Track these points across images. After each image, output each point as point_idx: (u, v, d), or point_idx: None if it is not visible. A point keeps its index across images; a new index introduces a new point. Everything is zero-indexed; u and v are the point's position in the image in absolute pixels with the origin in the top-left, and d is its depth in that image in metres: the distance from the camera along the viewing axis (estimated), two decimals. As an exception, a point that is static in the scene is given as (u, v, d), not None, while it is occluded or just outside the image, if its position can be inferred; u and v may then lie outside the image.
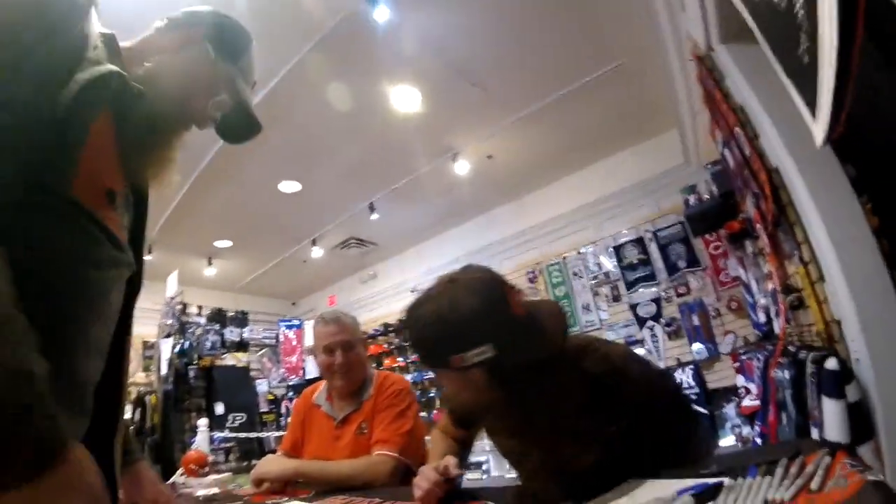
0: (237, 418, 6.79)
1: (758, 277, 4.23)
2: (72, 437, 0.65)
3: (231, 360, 7.77)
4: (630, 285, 6.36)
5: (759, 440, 3.67)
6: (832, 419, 1.97)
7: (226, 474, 2.91)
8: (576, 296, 6.79)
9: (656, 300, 6.14)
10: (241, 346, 8.36)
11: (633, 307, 6.26)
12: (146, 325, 7.52)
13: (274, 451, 6.60)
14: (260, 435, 6.90)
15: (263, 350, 8.88)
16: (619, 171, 6.63)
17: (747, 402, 4.68)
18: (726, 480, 0.86)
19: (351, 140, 5.37)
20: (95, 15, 0.97)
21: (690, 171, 5.79)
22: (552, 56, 4.57)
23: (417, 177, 6.31)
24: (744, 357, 4.98)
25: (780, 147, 2.32)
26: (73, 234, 0.88)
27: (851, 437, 1.88)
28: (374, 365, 8.33)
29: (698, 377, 5.58)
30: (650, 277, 6.23)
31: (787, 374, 2.54)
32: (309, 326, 8.82)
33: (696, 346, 5.74)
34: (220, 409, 6.68)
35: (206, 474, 2.69)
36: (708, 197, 4.82)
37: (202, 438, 5.13)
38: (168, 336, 6.56)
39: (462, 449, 1.68)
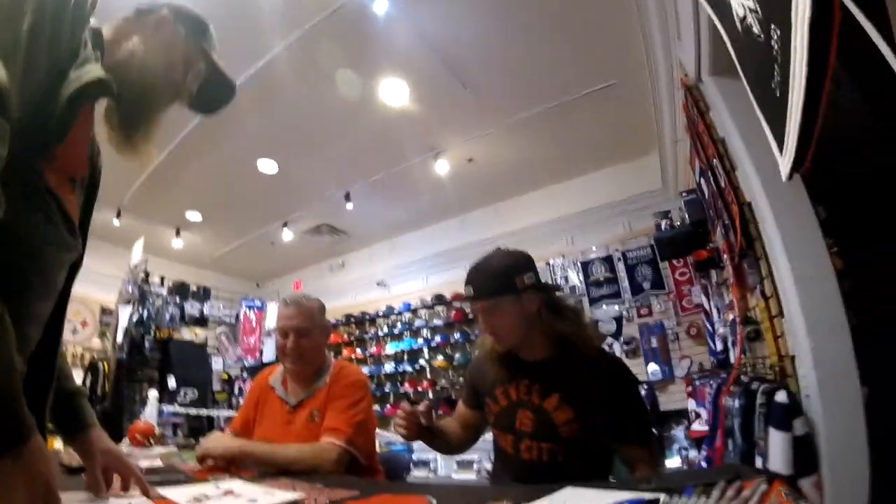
0: (189, 394, 6.68)
1: (719, 307, 4.32)
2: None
3: (188, 334, 7.65)
4: (593, 301, 6.43)
5: (704, 464, 3.75)
6: (777, 450, 2.03)
7: (171, 448, 2.87)
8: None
9: (618, 318, 6.22)
10: (201, 321, 8.23)
11: (595, 323, 6.32)
12: (107, 290, 7.37)
13: (223, 430, 6.53)
14: (210, 413, 6.79)
15: (222, 328, 8.76)
16: (597, 188, 6.71)
17: (697, 426, 4.78)
18: (663, 497, 0.87)
19: (334, 127, 5.33)
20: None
21: (666, 197, 5.90)
22: (545, 68, 4.60)
23: (397, 171, 6.29)
24: (697, 382, 5.08)
25: (755, 182, 2.37)
26: (39, 218, 0.93)
27: (794, 469, 1.93)
28: (332, 354, 8.32)
29: (651, 398, 5.66)
30: (614, 296, 6.31)
31: (737, 403, 2.60)
32: (272, 308, 8.73)
33: (652, 366, 5.84)
34: (172, 382, 6.56)
35: (152, 446, 2.65)
36: (679, 224, 4.90)
37: (151, 410, 5.06)
38: (128, 303, 6.43)
39: (464, 430, 2.00)
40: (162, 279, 7.67)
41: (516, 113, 5.25)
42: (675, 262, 5.76)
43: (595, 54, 4.45)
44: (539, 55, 4.43)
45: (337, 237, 8.39)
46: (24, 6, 0.82)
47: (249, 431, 2.29)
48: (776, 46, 0.90)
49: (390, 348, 8.00)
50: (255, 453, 1.91)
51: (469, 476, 5.62)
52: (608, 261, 6.42)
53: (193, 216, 7.47)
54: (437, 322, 7.58)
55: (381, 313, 8.31)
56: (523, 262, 1.77)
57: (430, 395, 7.23)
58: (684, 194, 4.39)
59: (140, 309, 6.55)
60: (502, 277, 1.68)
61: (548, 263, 6.89)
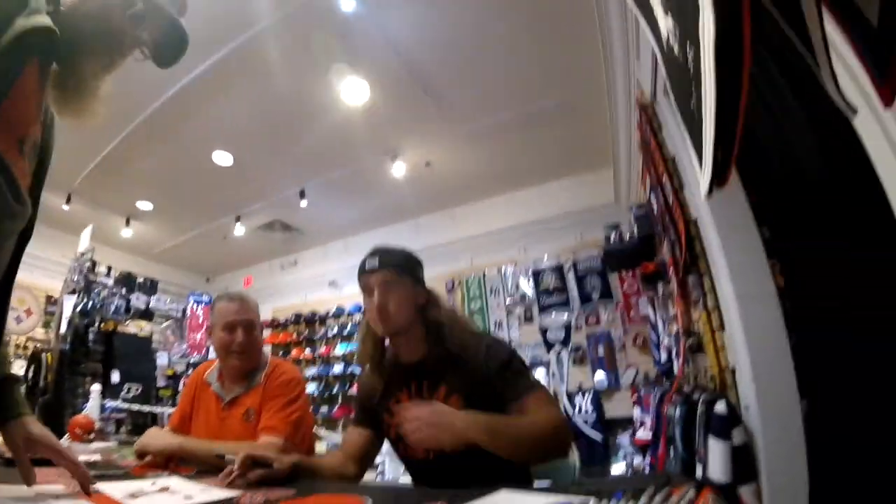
0: (133, 389, 6.48)
1: (664, 318, 4.44)
2: None
3: (134, 328, 7.42)
4: (543, 309, 6.53)
5: (648, 470, 3.84)
6: (716, 458, 2.10)
7: (111, 443, 2.80)
8: (490, 312, 6.92)
9: (566, 327, 6.34)
10: (147, 314, 7.99)
11: (544, 331, 6.42)
12: (52, 278, 7.11)
13: (163, 427, 6.37)
14: (154, 409, 6.61)
15: (168, 322, 8.54)
16: (551, 199, 6.84)
17: (641, 433, 4.90)
18: (592, 500, 0.90)
19: (293, 122, 5.28)
20: None
21: (617, 211, 6.04)
22: (507, 78, 4.68)
23: (354, 171, 6.27)
24: (642, 391, 5.21)
25: (702, 201, 2.46)
26: None
27: (733, 477, 2.01)
28: (280, 353, 8.23)
29: (597, 404, 5.79)
30: (564, 304, 6.43)
31: (678, 412, 2.69)
32: (216, 306, 8.56)
33: (599, 374, 5.97)
34: (115, 377, 6.35)
35: (92, 441, 2.58)
36: (629, 237, 5.02)
37: (93, 405, 4.89)
38: (73, 293, 6.20)
39: (350, 459, 1.84)
40: (109, 269, 7.42)
41: (476, 120, 5.30)
42: (623, 273, 5.90)
43: (557, 69, 4.54)
44: (502, 66, 4.50)
45: (290, 234, 8.28)
46: None
47: (187, 427, 2.27)
48: (691, 66, 0.91)
49: (340, 349, 7.94)
50: (195, 451, 1.88)
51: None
52: (559, 270, 6.54)
53: (144, 206, 7.26)
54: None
55: (331, 313, 8.24)
56: (420, 260, 1.86)
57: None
58: (635, 209, 4.50)
59: (85, 299, 6.33)
60: (408, 260, 1.81)
61: (499, 270, 6.98)
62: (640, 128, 3.59)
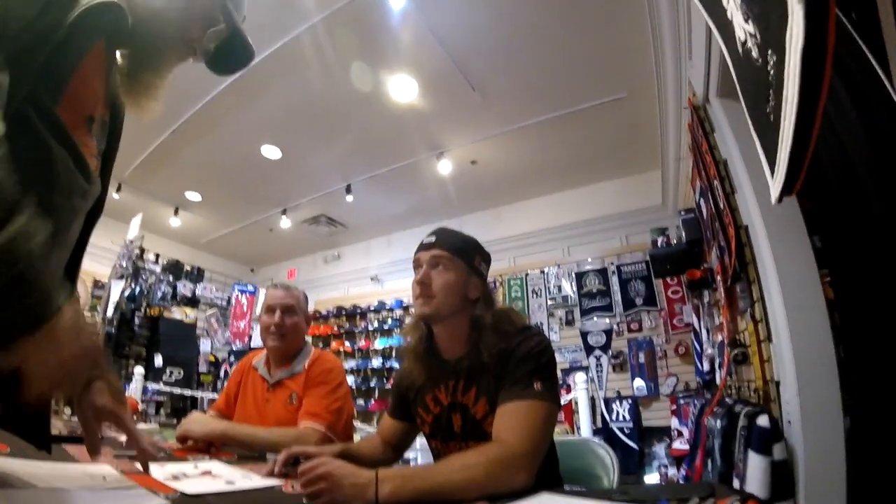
0: (174, 373, 6.67)
1: (709, 328, 4.34)
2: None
3: (178, 314, 7.63)
4: (585, 312, 6.46)
5: (682, 482, 3.77)
6: (755, 473, 2.04)
7: (152, 425, 2.88)
8: (531, 313, 6.86)
9: (608, 331, 6.25)
10: (192, 301, 8.21)
11: (584, 334, 6.35)
12: (100, 263, 7.35)
13: (204, 412, 6.52)
14: (195, 394, 6.79)
15: (213, 310, 8.75)
16: (597, 200, 6.75)
17: (678, 444, 4.81)
18: None
19: (341, 118, 5.33)
20: None
21: (664, 214, 5.94)
22: (556, 76, 4.63)
23: (400, 168, 6.31)
24: (682, 401, 5.11)
25: (754, 206, 2.39)
26: (49, 155, 0.88)
27: (771, 493, 1.95)
28: (320, 345, 8.34)
29: (635, 412, 5.69)
30: (606, 308, 6.34)
31: (719, 424, 2.62)
32: (264, 294, 8.73)
33: (638, 382, 5.87)
34: (158, 360, 6.55)
35: (134, 422, 2.65)
36: (676, 242, 4.93)
37: (136, 387, 5.04)
38: (120, 278, 6.41)
39: (386, 446, 1.84)
40: (157, 257, 7.66)
41: (523, 119, 5.27)
42: (668, 279, 5.79)
43: (606, 67, 4.48)
44: (551, 63, 4.45)
45: (335, 228, 8.38)
46: None
47: (231, 409, 2.35)
48: (772, 71, 0.90)
49: (379, 343, 8.01)
50: (237, 436, 1.93)
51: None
52: (602, 273, 6.46)
53: (193, 196, 7.46)
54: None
55: (372, 308, 8.31)
56: (486, 253, 1.75)
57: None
58: (683, 213, 4.42)
59: (132, 284, 6.54)
60: (467, 245, 1.68)
61: (542, 271, 6.92)
62: (691, 129, 3.52)
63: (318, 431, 2.00)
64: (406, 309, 7.92)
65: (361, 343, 8.24)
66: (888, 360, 1.53)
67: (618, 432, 5.62)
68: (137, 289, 6.65)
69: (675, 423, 5.14)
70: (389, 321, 8.06)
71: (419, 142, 5.79)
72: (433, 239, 1.66)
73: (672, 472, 5.02)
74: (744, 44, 1.13)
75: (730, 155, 2.73)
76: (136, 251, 6.70)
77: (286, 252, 9.65)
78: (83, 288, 7.66)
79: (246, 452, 1.84)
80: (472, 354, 1.56)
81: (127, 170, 6.24)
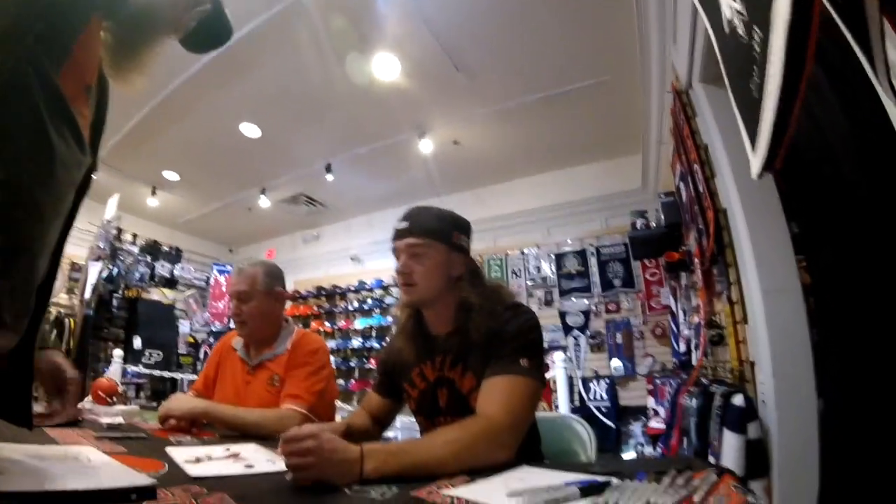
0: (154, 355, 6.61)
1: (686, 309, 4.41)
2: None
3: (157, 295, 7.55)
4: (564, 293, 6.54)
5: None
6: (730, 452, 2.09)
7: (133, 407, 2.86)
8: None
9: (586, 312, 6.33)
10: (170, 282, 8.13)
11: (563, 315, 6.42)
12: (77, 246, 7.24)
13: (185, 393, 6.46)
14: (174, 376, 6.75)
15: (192, 291, 8.67)
16: (578, 182, 6.79)
17: (654, 423, 4.89)
18: (614, 480, 0.90)
19: (322, 96, 5.26)
20: None
21: (644, 198, 5.99)
22: (541, 58, 4.61)
23: (381, 147, 6.26)
24: (658, 381, 5.19)
25: (733, 190, 2.43)
26: (52, 125, 0.85)
27: (746, 471, 2.00)
28: (300, 325, 8.31)
29: (612, 392, 5.79)
30: (584, 289, 6.42)
31: (695, 403, 2.68)
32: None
33: (616, 362, 5.96)
34: (138, 343, 6.49)
35: (114, 404, 2.63)
36: (655, 224, 4.97)
37: (115, 369, 5.01)
38: (98, 260, 6.32)
39: (372, 421, 1.81)
40: (134, 237, 7.55)
41: (506, 100, 5.25)
42: (646, 261, 5.87)
43: (591, 50, 4.47)
44: (535, 45, 4.43)
45: (314, 208, 8.33)
46: None
47: (210, 391, 2.33)
48: (757, 48, 0.91)
49: (359, 324, 8.02)
50: (219, 415, 1.91)
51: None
52: (581, 254, 6.52)
53: (171, 176, 7.33)
54: (409, 301, 7.57)
55: (352, 288, 8.30)
56: (465, 224, 1.67)
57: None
58: (662, 196, 4.45)
59: (110, 266, 6.45)
60: (442, 224, 1.61)
61: (522, 252, 6.96)
62: (674, 113, 3.54)
63: (300, 413, 1.98)
64: (386, 289, 7.93)
65: (341, 323, 8.24)
66: (861, 345, 1.57)
67: (595, 411, 5.71)
68: (115, 270, 6.56)
69: (651, 402, 5.23)
70: (369, 301, 8.06)
71: (401, 121, 5.75)
72: (406, 225, 1.61)
73: (648, 450, 5.13)
74: (730, 21, 1.14)
75: (710, 139, 2.76)
76: (114, 232, 6.60)
77: (265, 232, 9.56)
78: (60, 270, 7.53)
79: (228, 432, 1.84)
80: (461, 331, 1.56)
81: (104, 149, 6.10)
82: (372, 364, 7.53)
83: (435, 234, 1.58)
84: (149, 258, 7.72)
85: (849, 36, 0.77)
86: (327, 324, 8.36)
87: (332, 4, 4.01)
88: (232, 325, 6.98)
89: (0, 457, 0.96)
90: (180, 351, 7.71)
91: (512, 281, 6.95)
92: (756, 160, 0.98)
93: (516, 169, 7.00)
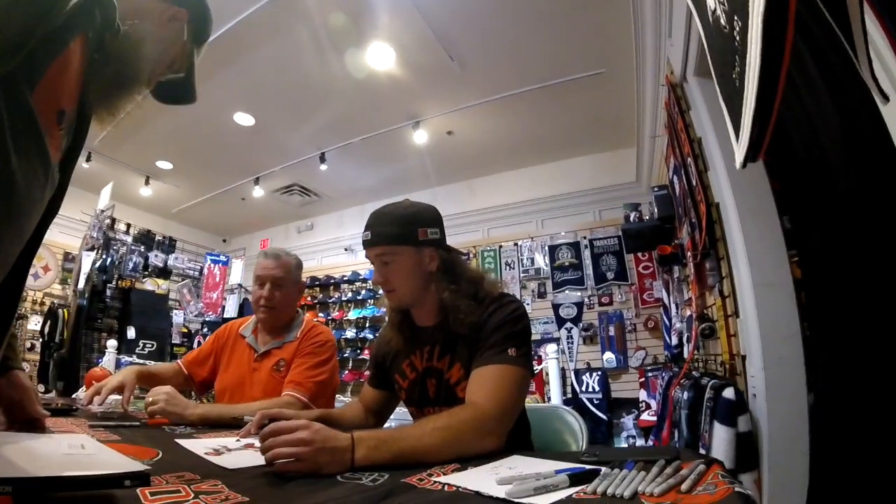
0: (148, 346, 6.60)
1: (678, 303, 4.44)
2: None
3: (150, 285, 7.52)
4: (557, 285, 6.55)
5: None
6: (720, 444, 2.11)
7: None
8: (503, 285, 6.90)
9: (579, 304, 6.35)
10: (164, 272, 8.08)
11: (556, 307, 6.44)
12: (70, 235, 7.22)
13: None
14: (168, 366, 6.72)
15: (185, 281, 8.63)
16: (572, 175, 6.80)
17: (646, 416, 4.93)
18: (603, 469, 0.91)
19: (316, 85, 5.24)
20: None
21: (638, 191, 6.02)
22: (536, 49, 4.60)
23: (375, 137, 6.24)
24: (650, 374, 5.23)
25: (726, 184, 2.44)
26: (18, 146, 0.83)
27: (736, 464, 2.01)
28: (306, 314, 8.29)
29: (604, 384, 5.82)
30: (578, 282, 6.44)
31: (686, 396, 2.70)
32: (237, 265, 8.66)
33: (608, 355, 6.00)
34: (131, 333, 6.46)
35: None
36: (648, 218, 4.99)
37: (109, 360, 5.00)
38: (91, 249, 6.29)
39: (368, 413, 1.85)
40: (128, 227, 7.51)
41: (501, 91, 5.25)
42: (639, 255, 5.89)
43: (586, 42, 4.47)
44: (530, 35, 4.42)
45: (308, 198, 8.31)
46: None
47: (200, 368, 2.37)
48: (737, 37, 0.92)
49: (353, 314, 8.01)
50: (217, 420, 1.82)
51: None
52: (575, 247, 6.54)
53: (164, 165, 7.30)
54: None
55: (346, 278, 8.29)
56: (430, 216, 1.65)
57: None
58: (656, 189, 4.47)
59: (103, 255, 6.42)
60: (403, 225, 1.58)
61: (516, 244, 6.97)
62: (668, 107, 3.55)
63: (300, 401, 2.00)
64: (380, 280, 7.91)
65: (335, 314, 8.23)
66: (851, 340, 1.59)
67: (587, 403, 5.74)
68: (108, 260, 6.52)
69: (643, 395, 5.27)
70: (363, 292, 8.05)
71: (395, 111, 5.74)
72: (369, 235, 1.60)
73: (640, 442, 5.16)
74: (713, 12, 1.15)
75: (704, 133, 2.77)
76: (107, 221, 6.56)
77: (259, 222, 9.55)
78: (53, 260, 7.53)
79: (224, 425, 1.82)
80: (445, 323, 1.57)
81: (96, 138, 6.08)
82: (366, 354, 7.53)
83: (398, 238, 1.57)
84: (142, 248, 7.67)
85: (838, 32, 0.78)
86: (321, 314, 8.34)
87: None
88: (227, 314, 6.91)
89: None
90: (174, 341, 7.67)
91: (505, 273, 6.96)
92: (740, 149, 0.99)
93: (510, 160, 7.01)
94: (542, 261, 6.75)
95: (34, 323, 6.99)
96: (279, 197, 8.21)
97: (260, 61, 4.84)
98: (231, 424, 1.74)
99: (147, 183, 7.65)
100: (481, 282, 1.64)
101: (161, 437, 1.42)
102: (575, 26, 4.28)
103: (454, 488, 0.89)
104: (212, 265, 8.87)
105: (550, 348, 4.46)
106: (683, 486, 0.79)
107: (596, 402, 5.75)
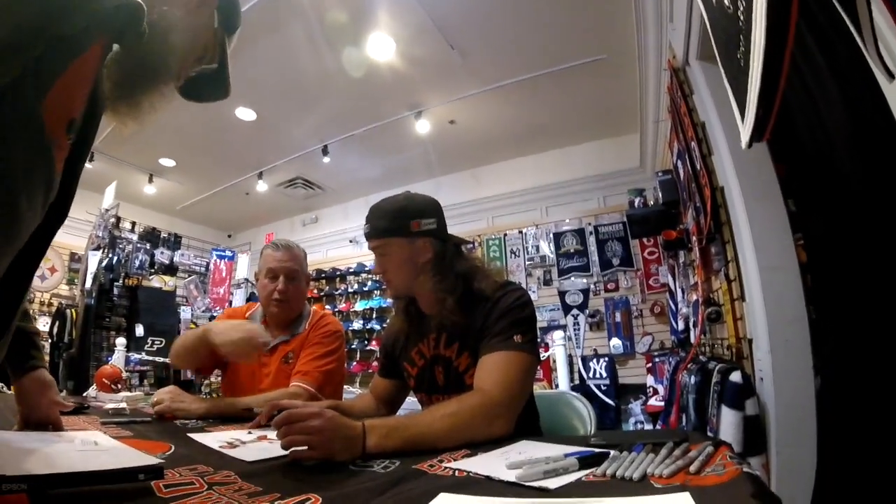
0: (156, 343, 6.62)
1: (684, 287, 4.43)
2: None
3: (157, 282, 7.54)
4: (562, 272, 6.56)
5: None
6: (728, 428, 2.11)
7: (137, 393, 2.88)
8: (509, 273, 6.92)
9: (585, 291, 6.35)
10: (170, 269, 8.11)
11: (562, 294, 6.44)
12: (75, 236, 7.25)
13: (190, 382, 6.44)
14: (177, 363, 6.74)
15: (192, 277, 8.67)
16: (576, 161, 6.78)
17: (653, 401, 4.94)
18: (612, 452, 0.92)
19: (317, 78, 5.23)
20: None
21: (642, 176, 6.00)
22: (537, 36, 4.58)
23: (377, 128, 6.22)
24: (657, 359, 5.24)
25: (730, 168, 2.43)
26: (25, 155, 0.80)
27: (744, 447, 2.02)
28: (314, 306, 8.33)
29: (611, 370, 5.82)
30: (583, 269, 6.44)
31: (693, 380, 2.70)
32: (242, 260, 8.69)
33: (615, 341, 6.00)
34: (140, 330, 6.48)
35: (119, 391, 2.65)
36: (653, 203, 4.98)
37: (119, 357, 5.04)
38: (97, 249, 6.32)
39: (379, 403, 1.86)
40: (133, 225, 7.54)
41: (502, 78, 5.22)
42: (645, 240, 5.88)
43: (587, 28, 4.44)
44: (532, 23, 4.39)
45: (312, 191, 8.32)
46: None
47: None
48: (742, 17, 0.92)
49: (359, 306, 8.04)
50: (222, 413, 1.83)
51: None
52: (580, 233, 6.53)
53: (167, 162, 7.31)
54: (408, 282, 7.57)
55: (351, 270, 8.32)
56: (425, 207, 1.68)
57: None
58: (660, 174, 4.45)
59: (110, 254, 6.45)
60: (396, 218, 1.62)
61: (521, 231, 6.96)
62: (671, 91, 3.53)
63: (307, 391, 1.99)
64: (385, 271, 7.93)
65: (342, 305, 8.26)
66: (858, 323, 1.58)
67: (595, 389, 5.75)
68: (115, 258, 6.55)
69: (650, 380, 5.28)
70: (369, 283, 8.07)
71: (397, 101, 5.72)
72: (367, 228, 1.65)
73: (648, 427, 5.17)
74: (717, -6, 1.15)
75: (707, 117, 2.75)
76: (112, 220, 6.58)
77: (263, 216, 9.57)
78: (60, 261, 7.56)
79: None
80: (448, 309, 1.58)
81: (99, 138, 6.05)
82: (373, 345, 7.56)
83: (391, 231, 1.61)
84: (148, 245, 7.70)
85: (847, 19, 0.77)
86: (328, 306, 8.36)
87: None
88: (232, 306, 6.87)
89: (8, 441, 0.97)
90: (182, 338, 7.71)
91: (510, 261, 6.96)
92: (745, 129, 0.98)
93: (513, 148, 6.98)
94: (547, 248, 6.74)
95: (42, 324, 7.03)
96: (283, 191, 8.22)
97: (260, 55, 4.82)
98: (239, 417, 1.75)
99: (151, 181, 7.67)
100: (476, 274, 1.63)
101: (173, 432, 1.43)
102: (576, 12, 4.25)
103: (465, 473, 0.90)
104: (218, 260, 8.91)
105: (557, 335, 4.47)
106: (692, 468, 0.80)
107: (603, 388, 5.76)
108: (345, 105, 5.76)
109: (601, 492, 0.77)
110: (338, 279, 8.50)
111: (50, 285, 7.48)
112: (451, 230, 1.70)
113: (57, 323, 6.32)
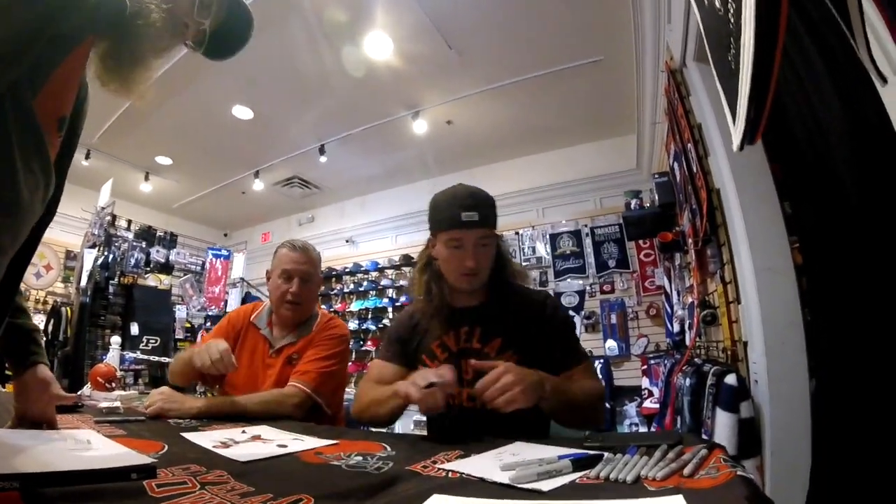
0: (151, 341, 6.59)
1: (680, 290, 4.44)
2: None
3: (153, 281, 7.53)
4: (558, 274, 6.56)
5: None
6: (723, 430, 2.11)
7: (132, 392, 2.87)
8: (507, 275, 6.90)
9: (580, 292, 6.35)
10: (166, 268, 8.09)
11: (558, 295, 6.43)
12: (71, 233, 7.22)
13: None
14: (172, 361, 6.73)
15: (187, 276, 8.65)
16: (572, 162, 6.78)
17: (648, 403, 4.94)
18: (606, 454, 0.92)
19: (314, 77, 5.22)
20: None
21: (639, 178, 6.00)
22: (534, 37, 4.57)
23: (374, 127, 6.21)
24: (652, 362, 5.24)
25: (726, 170, 2.43)
26: (21, 157, 0.82)
27: (738, 450, 2.02)
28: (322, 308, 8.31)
29: (607, 372, 5.82)
30: (579, 270, 6.44)
31: (688, 382, 2.71)
32: (238, 259, 8.67)
33: (610, 343, 6.00)
34: (135, 329, 6.46)
35: (113, 389, 2.64)
36: (649, 205, 4.98)
37: (113, 356, 5.01)
38: (93, 247, 6.30)
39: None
40: (129, 223, 7.51)
41: (500, 79, 5.22)
42: (641, 242, 5.88)
43: (585, 29, 4.44)
44: (529, 23, 4.39)
45: (308, 190, 8.30)
46: None
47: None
48: (732, 19, 0.93)
49: (355, 306, 8.02)
50: (218, 412, 1.80)
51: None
52: (576, 235, 6.53)
53: (163, 160, 7.28)
54: (404, 282, 7.56)
55: (347, 270, 8.30)
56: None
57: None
58: (656, 176, 4.46)
59: (105, 252, 6.43)
60: (495, 210, 1.66)
61: (517, 233, 6.96)
62: (668, 93, 3.53)
63: (303, 391, 1.95)
64: (381, 270, 7.92)
65: (337, 306, 8.24)
66: (853, 325, 1.58)
67: (590, 391, 5.73)
68: (110, 256, 6.53)
69: (645, 382, 5.28)
70: (365, 283, 8.05)
71: (394, 101, 5.71)
72: (476, 217, 1.57)
73: (643, 430, 5.17)
74: (708, -4, 1.15)
75: (704, 119, 2.76)
76: (108, 218, 6.56)
77: (259, 215, 9.54)
78: (55, 259, 7.53)
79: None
80: (491, 306, 1.64)
81: (95, 135, 6.05)
82: (369, 346, 7.54)
83: (495, 223, 1.66)
84: (144, 244, 7.68)
85: (840, 21, 0.77)
86: (324, 307, 8.32)
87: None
88: (230, 308, 6.90)
89: (0, 439, 0.97)
90: (178, 336, 7.69)
91: (507, 262, 6.94)
92: (736, 132, 0.99)
93: (510, 148, 6.98)
94: (543, 249, 6.74)
95: (37, 322, 6.98)
96: (279, 190, 8.20)
97: (258, 53, 4.80)
98: (234, 417, 1.74)
99: (147, 179, 7.64)
100: (507, 265, 1.73)
101: (166, 431, 1.42)
102: (573, 13, 4.25)
103: (458, 475, 0.90)
104: (213, 259, 8.88)
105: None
106: (686, 471, 0.80)
107: (599, 390, 5.75)
108: (342, 104, 5.75)
109: (594, 494, 0.77)
110: (333, 279, 8.48)
111: (45, 283, 7.44)
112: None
113: (52, 321, 6.30)
